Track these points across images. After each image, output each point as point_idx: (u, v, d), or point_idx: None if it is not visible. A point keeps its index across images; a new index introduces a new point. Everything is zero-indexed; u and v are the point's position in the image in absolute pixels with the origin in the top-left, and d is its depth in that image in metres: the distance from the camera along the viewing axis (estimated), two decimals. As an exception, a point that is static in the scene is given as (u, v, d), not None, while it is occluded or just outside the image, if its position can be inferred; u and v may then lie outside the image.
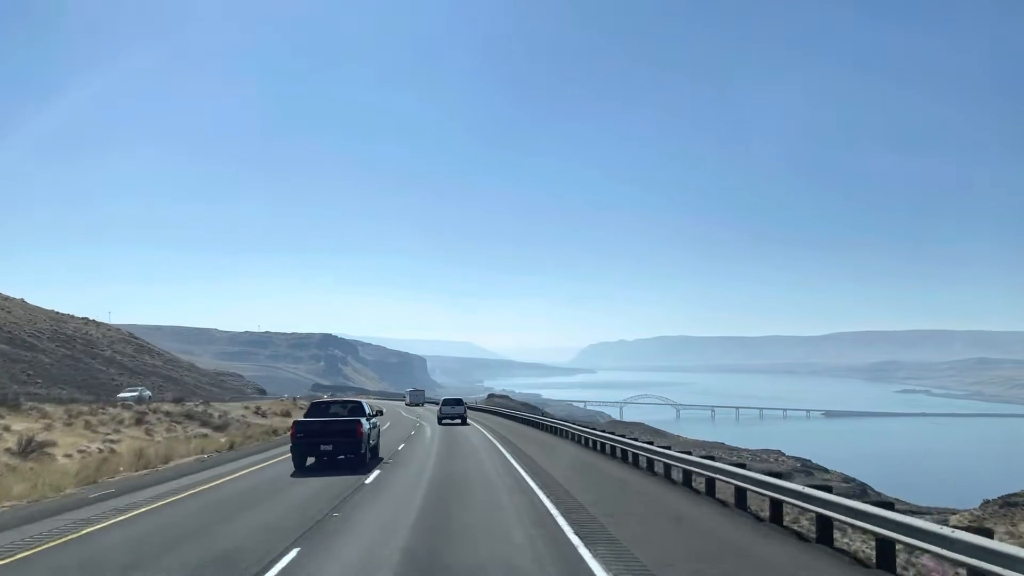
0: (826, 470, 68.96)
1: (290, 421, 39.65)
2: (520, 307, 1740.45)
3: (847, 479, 62.96)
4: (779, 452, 76.39)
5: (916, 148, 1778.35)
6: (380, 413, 34.75)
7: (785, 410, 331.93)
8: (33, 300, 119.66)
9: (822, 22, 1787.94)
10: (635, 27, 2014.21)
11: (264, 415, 64.32)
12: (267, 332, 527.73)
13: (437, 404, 76.39)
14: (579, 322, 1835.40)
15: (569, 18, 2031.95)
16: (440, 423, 58.41)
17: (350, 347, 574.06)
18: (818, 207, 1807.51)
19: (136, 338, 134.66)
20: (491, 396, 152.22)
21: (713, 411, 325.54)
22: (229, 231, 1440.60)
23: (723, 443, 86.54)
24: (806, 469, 67.23)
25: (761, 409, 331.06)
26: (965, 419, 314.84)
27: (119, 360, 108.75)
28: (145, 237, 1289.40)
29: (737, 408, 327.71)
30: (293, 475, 24.63)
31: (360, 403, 30.42)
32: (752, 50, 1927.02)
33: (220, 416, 52.82)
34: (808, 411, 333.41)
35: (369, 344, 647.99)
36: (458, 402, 63.76)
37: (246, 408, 68.09)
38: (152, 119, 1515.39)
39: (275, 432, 46.89)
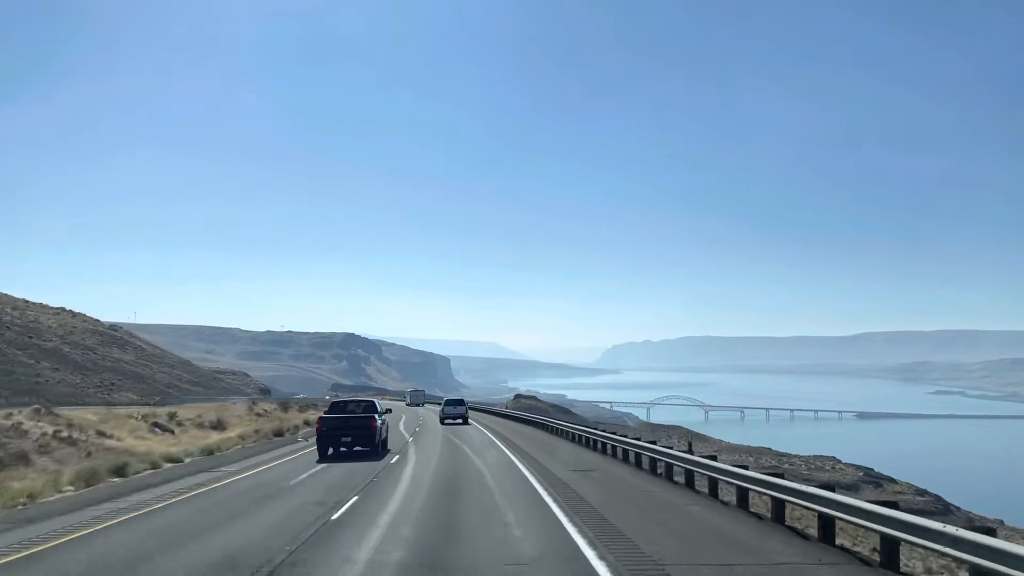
0: (893, 480, 61.65)
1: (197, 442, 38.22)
2: (544, 307, 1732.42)
3: (919, 491, 56.11)
4: (834, 459, 68.66)
5: (944, 148, 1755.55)
6: (389, 411, 38.19)
7: (816, 411, 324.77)
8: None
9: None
10: (661, 29, 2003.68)
11: (164, 428, 43.97)
12: (289, 332, 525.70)
13: (438, 404, 77.04)
14: (603, 322, 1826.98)
15: (593, 24, 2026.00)
16: (442, 423, 59.17)
17: (373, 347, 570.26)
18: (846, 207, 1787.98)
19: (115, 330, 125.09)
20: (518, 397, 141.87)
21: (742, 412, 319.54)
22: (253, 231, 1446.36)
23: (769, 447, 79.15)
24: (871, 479, 60.16)
25: (792, 410, 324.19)
26: (1005, 421, 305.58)
27: (64, 352, 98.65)
28: (169, 238, 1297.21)
29: (767, 409, 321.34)
30: (318, 462, 29.64)
31: (373, 402, 35.88)
32: (778, 52, 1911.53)
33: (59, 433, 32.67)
34: (840, 412, 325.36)
35: (392, 344, 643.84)
36: (460, 402, 65.02)
37: (171, 416, 50.00)
38: (176, 119, 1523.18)
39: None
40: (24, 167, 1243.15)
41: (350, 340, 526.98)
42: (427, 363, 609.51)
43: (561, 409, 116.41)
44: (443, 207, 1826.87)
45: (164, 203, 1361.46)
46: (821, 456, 71.11)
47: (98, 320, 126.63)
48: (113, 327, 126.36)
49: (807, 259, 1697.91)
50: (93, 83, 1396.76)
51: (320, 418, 33.30)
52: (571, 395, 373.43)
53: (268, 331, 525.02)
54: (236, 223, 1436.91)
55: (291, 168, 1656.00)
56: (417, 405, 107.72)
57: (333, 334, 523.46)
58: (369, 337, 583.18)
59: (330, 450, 31.34)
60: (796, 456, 70.39)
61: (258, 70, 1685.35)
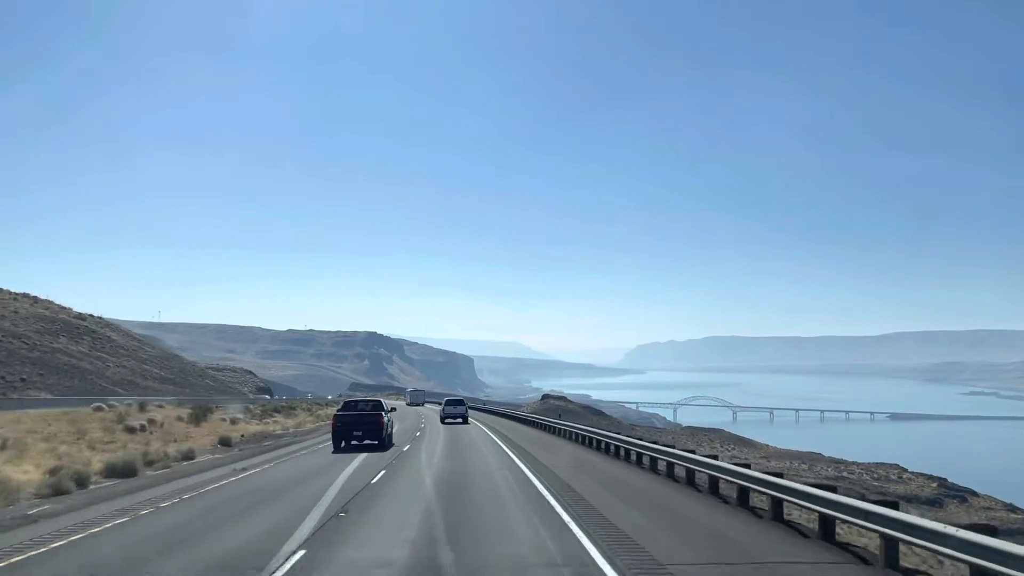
0: (974, 492, 54.71)
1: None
2: (568, 307, 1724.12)
3: (1010, 507, 49.34)
4: (898, 467, 61.26)
5: (979, 148, 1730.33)
6: (394, 409, 44.03)
7: (848, 412, 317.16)
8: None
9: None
10: (688, 29, 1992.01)
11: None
12: (311, 330, 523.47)
13: (438, 404, 79.82)
14: (627, 322, 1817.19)
15: (617, 26, 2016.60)
16: (443, 422, 59.55)
17: (395, 346, 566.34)
18: (874, 206, 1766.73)
19: (81, 319, 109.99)
20: (545, 398, 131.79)
21: (771, 413, 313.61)
22: (277, 232, 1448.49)
23: (819, 453, 72.34)
24: (952, 492, 53.09)
25: (822, 411, 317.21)
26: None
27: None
28: (194, 239, 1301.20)
29: (796, 410, 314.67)
30: (334, 453, 33.18)
31: (380, 401, 39.82)
32: (804, 54, 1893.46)
33: None
34: (872, 413, 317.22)
35: (415, 343, 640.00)
36: (460, 402, 66.36)
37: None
38: (198, 119, 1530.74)
39: None
40: (51, 169, 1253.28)
41: (372, 339, 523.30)
42: (450, 363, 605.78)
43: (593, 411, 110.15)
44: (467, 208, 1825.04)
45: (188, 204, 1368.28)
46: (882, 463, 63.98)
47: (66, 308, 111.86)
48: (80, 316, 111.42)
49: (833, 259, 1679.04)
50: (120, 84, 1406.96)
51: (335, 415, 37.83)
52: (595, 395, 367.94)
53: (290, 330, 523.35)
54: (260, 224, 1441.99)
55: (315, 169, 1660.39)
56: (417, 405, 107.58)
57: (355, 333, 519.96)
58: (391, 336, 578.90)
59: (343, 443, 35.37)
60: (855, 463, 63.45)
61: (282, 71, 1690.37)
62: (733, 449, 65.68)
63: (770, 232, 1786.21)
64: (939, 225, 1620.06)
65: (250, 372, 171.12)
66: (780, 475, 16.63)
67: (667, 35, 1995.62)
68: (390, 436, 38.02)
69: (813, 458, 64.74)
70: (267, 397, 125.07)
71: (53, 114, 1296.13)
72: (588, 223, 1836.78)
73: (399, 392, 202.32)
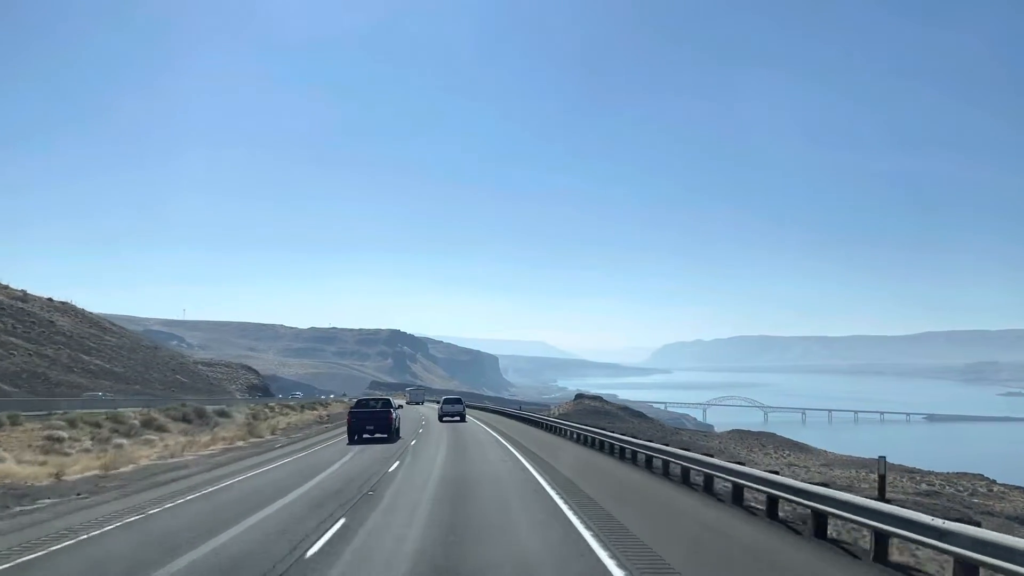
0: None
1: None
2: (593, 307, 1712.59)
3: None
4: (984, 478, 53.28)
5: (1008, 149, 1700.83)
6: (401, 406, 49.68)
7: (882, 413, 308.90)
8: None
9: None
10: (729, 24, 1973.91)
11: None
12: (334, 328, 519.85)
13: (437, 403, 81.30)
14: (653, 322, 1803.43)
15: (648, 21, 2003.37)
16: (441, 420, 60.95)
17: (419, 344, 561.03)
18: (903, 204, 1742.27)
19: (52, 303, 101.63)
20: (579, 398, 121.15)
21: (803, 413, 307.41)
22: (300, 230, 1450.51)
23: (883, 458, 64.78)
24: None
25: (855, 412, 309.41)
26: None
27: None
28: (220, 238, 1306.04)
29: (829, 411, 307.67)
30: (349, 444, 37.66)
31: (388, 399, 45.74)
32: (839, 54, 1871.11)
33: None
34: (908, 415, 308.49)
35: (439, 342, 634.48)
36: (458, 401, 67.87)
37: None
38: (223, 119, 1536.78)
39: None
40: (78, 168, 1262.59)
41: (396, 337, 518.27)
42: (475, 361, 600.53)
43: (633, 413, 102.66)
44: (492, 207, 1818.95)
45: (214, 203, 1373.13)
46: (964, 473, 56.13)
47: (35, 297, 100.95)
48: (53, 301, 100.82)
49: (862, 258, 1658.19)
50: (150, 85, 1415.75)
51: (349, 411, 42.20)
52: (622, 395, 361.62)
53: (312, 328, 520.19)
54: (285, 223, 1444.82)
55: (341, 168, 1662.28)
56: (417, 403, 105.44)
57: (378, 331, 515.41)
58: (415, 335, 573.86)
59: (356, 436, 39.26)
60: (933, 473, 55.76)
61: (306, 69, 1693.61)
62: (789, 456, 59.30)
63: (798, 231, 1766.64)
64: (971, 223, 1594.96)
65: (249, 368, 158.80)
66: (883, 499, 13.51)
67: (701, 30, 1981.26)
68: (397, 430, 42.29)
69: (878, 465, 57.52)
70: (296, 395, 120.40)
71: (81, 113, 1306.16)
72: (614, 222, 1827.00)
73: (422, 391, 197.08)
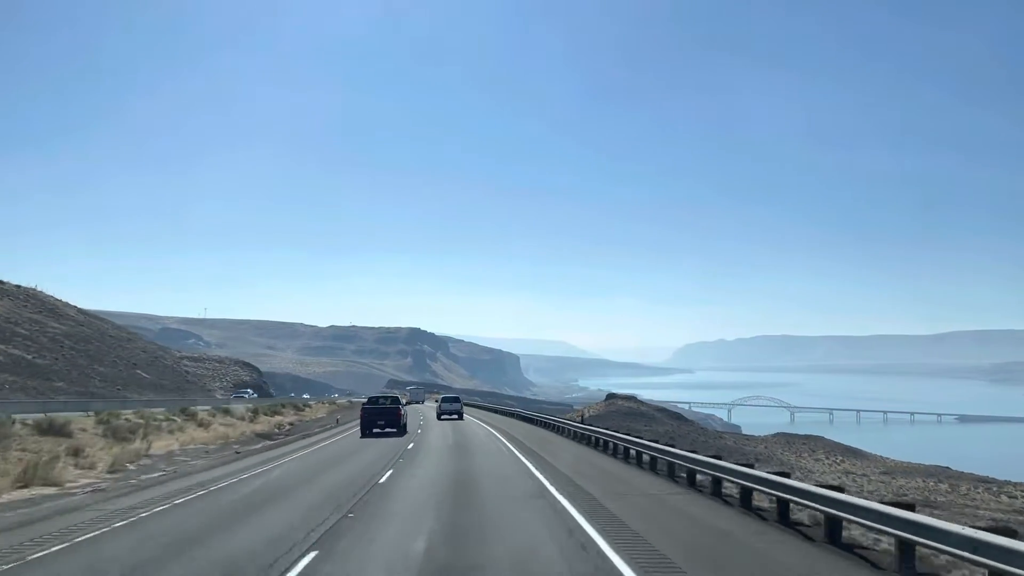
0: None
1: None
2: (614, 307, 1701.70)
3: None
4: None
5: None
6: (409, 403, 59.87)
7: (912, 414, 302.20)
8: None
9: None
10: (754, 26, 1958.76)
11: None
12: (353, 326, 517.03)
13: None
14: (674, 321, 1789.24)
15: (675, 20, 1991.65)
16: (439, 418, 61.86)
17: (440, 343, 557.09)
18: (926, 202, 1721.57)
19: (19, 289, 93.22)
20: (612, 398, 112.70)
21: (831, 414, 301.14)
22: (321, 228, 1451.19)
23: (947, 467, 59.25)
24: None
25: (885, 412, 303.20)
26: None
27: None
28: (240, 237, 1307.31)
29: (857, 411, 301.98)
30: (362, 438, 40.50)
31: (397, 397, 52.07)
32: (870, 53, 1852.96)
33: None
34: (939, 415, 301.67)
35: (460, 341, 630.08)
36: (456, 399, 70.89)
37: None
38: (243, 119, 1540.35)
39: None
40: (99, 172, 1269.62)
41: (416, 335, 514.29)
42: (495, 360, 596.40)
43: (672, 415, 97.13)
44: (510, 206, 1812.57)
45: (234, 203, 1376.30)
46: None
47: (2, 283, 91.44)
48: (4, 284, 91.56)
49: (885, 257, 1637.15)
50: (170, 87, 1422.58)
51: (362, 408, 45.72)
52: (645, 395, 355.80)
53: (332, 326, 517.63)
54: (305, 221, 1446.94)
55: (361, 167, 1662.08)
56: (417, 403, 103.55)
57: (398, 329, 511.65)
58: (436, 333, 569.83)
59: (368, 430, 42.39)
60: (1010, 483, 48.29)
61: (324, 69, 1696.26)
62: (844, 462, 54.78)
63: (820, 231, 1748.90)
64: (996, 222, 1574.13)
65: (246, 364, 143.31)
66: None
67: (727, 31, 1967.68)
68: (405, 425, 45.43)
69: (952, 476, 51.95)
70: (249, 394, 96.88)
71: (102, 117, 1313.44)
72: (635, 222, 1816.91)
73: (442, 390, 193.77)
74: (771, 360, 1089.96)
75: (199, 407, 56.85)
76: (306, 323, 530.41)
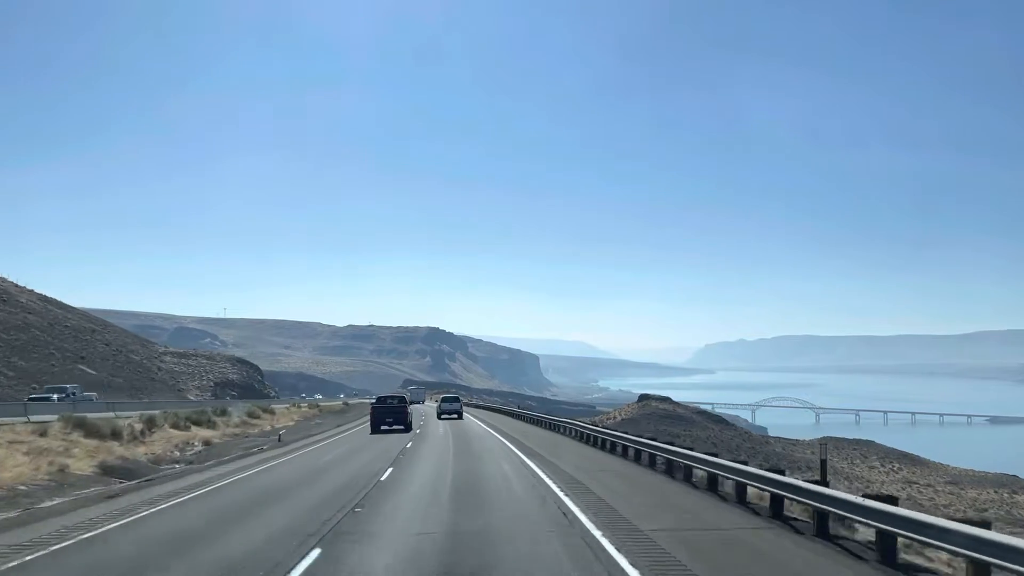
0: None
1: None
2: (633, 307, 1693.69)
3: None
4: None
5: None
6: (414, 403, 66.42)
7: (942, 415, 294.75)
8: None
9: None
10: (775, 24, 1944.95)
11: None
12: (371, 325, 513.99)
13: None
14: (695, 322, 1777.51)
15: (695, 20, 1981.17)
16: (439, 418, 63.64)
17: (459, 343, 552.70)
18: (956, 199, 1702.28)
19: None
20: (645, 399, 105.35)
21: (857, 415, 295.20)
22: (340, 228, 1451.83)
23: (1016, 476, 53.52)
24: None
25: (913, 414, 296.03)
26: None
27: None
28: (261, 238, 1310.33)
29: (885, 412, 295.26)
30: (372, 435, 43.83)
31: (404, 396, 55.31)
32: (900, 54, 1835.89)
33: None
34: (969, 416, 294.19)
35: (479, 340, 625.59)
36: (455, 399, 73.09)
37: None
38: (265, 122, 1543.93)
39: None
40: (126, 182, 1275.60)
41: (434, 335, 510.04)
42: (515, 360, 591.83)
43: (712, 418, 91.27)
44: (532, 207, 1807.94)
45: (256, 204, 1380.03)
46: None
47: None
48: None
49: (912, 255, 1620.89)
50: (193, 89, 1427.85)
51: (372, 407, 50.69)
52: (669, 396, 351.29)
53: (350, 325, 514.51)
54: (325, 222, 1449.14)
55: (381, 168, 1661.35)
56: (416, 403, 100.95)
57: (417, 328, 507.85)
58: (455, 333, 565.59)
59: (377, 427, 47.07)
60: None
61: (343, 71, 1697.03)
62: (902, 471, 49.49)
63: (842, 230, 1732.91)
64: (1021, 220, 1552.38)
65: (240, 361, 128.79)
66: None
67: (746, 27, 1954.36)
68: (410, 423, 48.82)
69: (1017, 484, 46.42)
70: (68, 394, 59.93)
71: (129, 119, 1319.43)
72: (654, 222, 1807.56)
73: (461, 390, 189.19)
74: (792, 360, 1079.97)
75: (100, 415, 39.51)
76: (324, 322, 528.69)
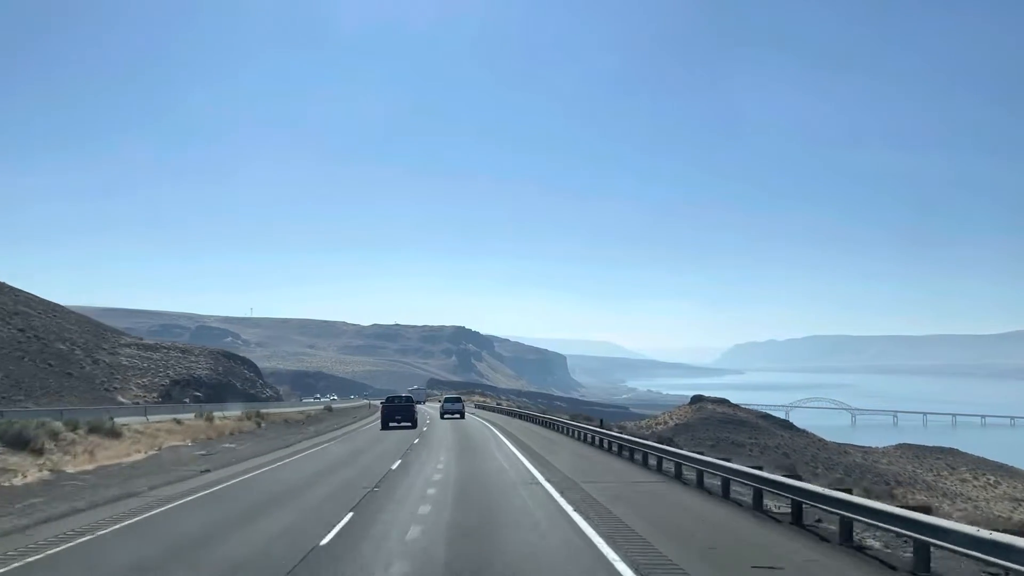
0: None
1: None
2: (662, 307, 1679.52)
3: None
4: None
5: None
6: (420, 402, 73.25)
7: (983, 417, 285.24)
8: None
9: None
10: (794, 19, 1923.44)
11: None
12: (396, 324, 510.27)
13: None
14: (724, 322, 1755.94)
15: (718, 21, 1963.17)
16: (442, 418, 65.45)
17: (485, 342, 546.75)
18: (983, 199, 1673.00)
19: None
20: (698, 400, 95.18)
21: (895, 416, 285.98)
22: (365, 227, 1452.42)
23: None
24: None
25: (953, 415, 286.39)
26: None
27: None
28: (287, 237, 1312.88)
29: (924, 414, 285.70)
30: (382, 430, 50.06)
31: (411, 396, 63.09)
32: (928, 52, 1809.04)
33: None
34: (1012, 418, 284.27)
35: (506, 340, 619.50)
36: (457, 399, 74.90)
37: None
38: (289, 120, 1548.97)
39: None
40: (149, 184, 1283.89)
41: (460, 334, 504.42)
42: (542, 360, 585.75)
43: (780, 423, 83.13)
44: (559, 207, 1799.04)
45: (281, 204, 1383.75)
46: None
47: None
48: None
49: (946, 253, 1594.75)
50: (214, 88, 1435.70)
51: (382, 405, 56.96)
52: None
53: (375, 324, 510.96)
54: (350, 221, 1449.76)
55: (407, 168, 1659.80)
56: (419, 403, 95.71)
57: (442, 327, 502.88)
58: (481, 332, 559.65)
59: (387, 424, 52.61)
60: None
61: (370, 69, 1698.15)
62: (1001, 485, 42.86)
63: (873, 228, 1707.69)
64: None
65: (226, 353, 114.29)
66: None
67: (768, 19, 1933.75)
68: (417, 420, 53.96)
69: None
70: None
71: (152, 122, 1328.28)
72: (681, 222, 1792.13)
73: (488, 391, 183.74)
74: (824, 360, 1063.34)
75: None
76: (349, 321, 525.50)
